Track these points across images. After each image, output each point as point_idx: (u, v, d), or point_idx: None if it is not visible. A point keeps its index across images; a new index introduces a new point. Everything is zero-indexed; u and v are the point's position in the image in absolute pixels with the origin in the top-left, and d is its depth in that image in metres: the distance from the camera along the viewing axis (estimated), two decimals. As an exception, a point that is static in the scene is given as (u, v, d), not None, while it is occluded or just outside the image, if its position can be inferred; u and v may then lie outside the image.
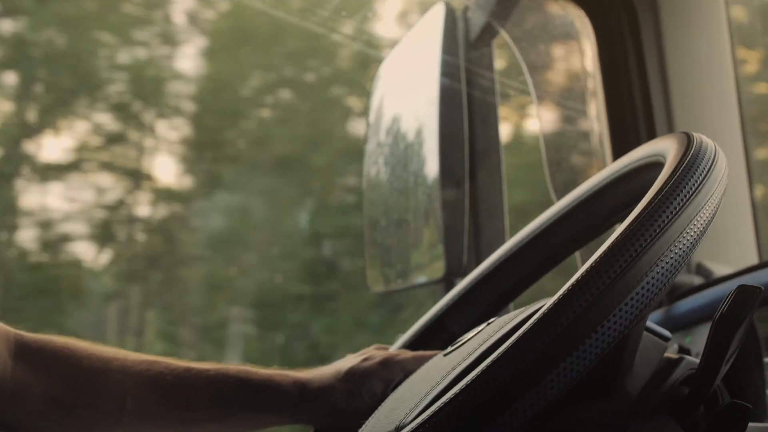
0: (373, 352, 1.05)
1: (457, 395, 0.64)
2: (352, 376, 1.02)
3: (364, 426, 0.87)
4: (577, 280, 0.64)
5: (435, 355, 0.97)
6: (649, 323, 0.78)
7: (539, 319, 0.64)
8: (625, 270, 0.65)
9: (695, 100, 1.34)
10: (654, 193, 0.69)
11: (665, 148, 0.81)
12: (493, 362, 0.64)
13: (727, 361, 0.71)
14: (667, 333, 0.79)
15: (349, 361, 1.04)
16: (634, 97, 1.33)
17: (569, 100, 1.50)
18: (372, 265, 1.76)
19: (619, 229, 0.67)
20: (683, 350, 1.09)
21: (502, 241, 1.47)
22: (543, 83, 1.50)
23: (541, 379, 0.62)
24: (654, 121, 1.31)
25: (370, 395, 1.00)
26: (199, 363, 1.04)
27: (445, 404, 0.64)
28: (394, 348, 1.10)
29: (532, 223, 1.06)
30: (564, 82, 1.53)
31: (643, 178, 0.87)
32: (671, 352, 0.79)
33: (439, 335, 1.09)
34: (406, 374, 0.98)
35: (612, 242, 0.66)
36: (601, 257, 0.65)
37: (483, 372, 0.63)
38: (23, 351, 1.02)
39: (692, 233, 0.68)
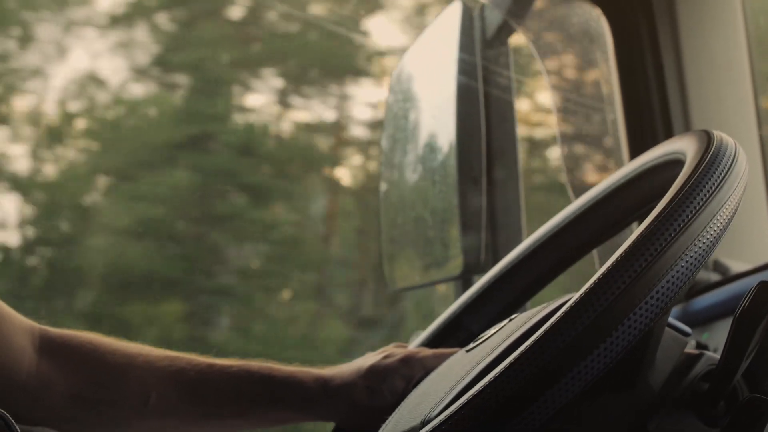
0: (393, 350, 1.06)
1: (483, 390, 0.65)
2: (373, 372, 1.03)
3: (388, 421, 0.89)
4: (603, 275, 0.66)
5: (455, 352, 0.98)
6: (670, 319, 0.79)
7: (565, 314, 0.65)
8: (651, 264, 0.66)
9: (712, 100, 1.34)
10: (678, 187, 0.70)
11: (685, 145, 0.82)
12: (520, 356, 0.65)
13: (748, 357, 0.72)
14: (686, 328, 0.80)
15: (370, 359, 1.05)
16: (651, 96, 1.34)
17: (586, 99, 1.51)
18: (390, 261, 1.77)
19: (644, 223, 0.68)
20: (701, 347, 1.10)
21: (519, 239, 1.49)
22: (560, 82, 1.51)
23: (568, 372, 0.64)
24: (671, 120, 1.31)
25: (391, 392, 1.01)
26: (222, 359, 1.05)
27: (471, 398, 0.65)
28: (413, 346, 1.11)
29: (549, 221, 1.07)
30: (581, 81, 1.53)
31: (663, 175, 0.88)
32: (689, 348, 0.80)
33: (456, 333, 1.10)
34: (427, 371, 0.99)
35: (637, 236, 0.67)
36: (626, 251, 0.66)
37: (509, 366, 0.65)
38: (48, 346, 1.03)
39: (715, 228, 0.69)
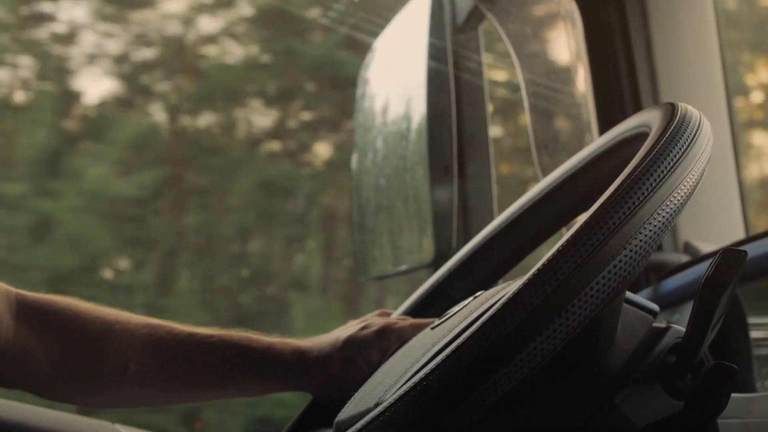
0: (373, 320, 1.06)
1: (427, 375, 0.64)
2: (350, 344, 1.03)
3: (352, 398, 0.88)
4: (547, 261, 0.64)
5: (432, 323, 0.97)
6: (637, 297, 0.78)
7: (512, 298, 0.64)
8: (601, 245, 0.64)
9: (681, 80, 1.34)
10: (635, 164, 0.69)
11: (650, 118, 0.81)
12: (463, 343, 0.64)
13: (714, 327, 0.71)
14: (654, 306, 0.79)
15: (348, 330, 1.05)
16: (621, 76, 1.34)
17: (556, 82, 1.50)
18: (361, 251, 1.76)
19: (597, 203, 0.67)
20: (671, 328, 1.09)
21: (491, 225, 1.48)
22: (530, 65, 1.50)
23: (512, 358, 0.63)
24: (640, 97, 1.31)
25: (367, 364, 1.01)
26: (202, 329, 1.05)
27: (416, 384, 0.65)
28: (396, 314, 1.11)
29: (523, 196, 1.07)
30: (551, 64, 1.53)
31: (629, 150, 0.87)
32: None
33: (439, 302, 1.10)
34: (403, 343, 0.99)
35: (588, 218, 0.66)
36: (575, 234, 0.65)
37: (452, 353, 0.64)
38: (25, 312, 1.02)
39: (673, 204, 0.68)
